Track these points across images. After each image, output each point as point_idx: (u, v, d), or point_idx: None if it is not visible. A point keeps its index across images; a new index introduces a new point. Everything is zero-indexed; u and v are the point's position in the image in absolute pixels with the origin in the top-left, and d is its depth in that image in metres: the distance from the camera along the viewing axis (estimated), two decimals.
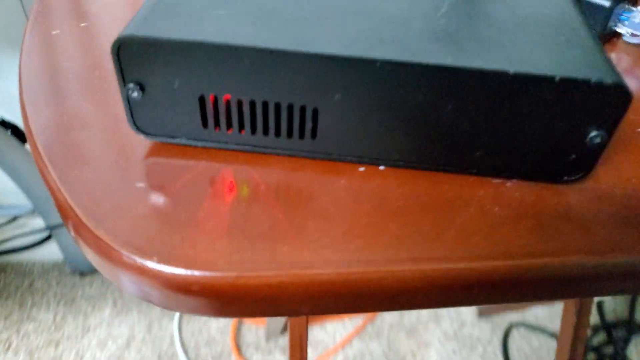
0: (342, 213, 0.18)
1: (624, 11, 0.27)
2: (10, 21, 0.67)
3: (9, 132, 0.69)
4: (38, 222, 0.87)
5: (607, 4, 0.26)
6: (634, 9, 0.28)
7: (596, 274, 0.18)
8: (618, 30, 0.28)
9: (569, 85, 0.16)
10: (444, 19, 0.19)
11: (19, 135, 0.72)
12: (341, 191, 0.19)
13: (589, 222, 0.18)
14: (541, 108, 0.17)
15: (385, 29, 0.18)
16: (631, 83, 0.26)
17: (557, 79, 0.16)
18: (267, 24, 0.18)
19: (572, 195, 0.19)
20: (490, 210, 0.19)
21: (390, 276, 0.17)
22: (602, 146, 0.18)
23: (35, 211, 0.82)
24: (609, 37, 0.28)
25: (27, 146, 0.74)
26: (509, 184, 0.20)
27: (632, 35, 0.28)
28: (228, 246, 0.17)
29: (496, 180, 0.20)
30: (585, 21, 0.20)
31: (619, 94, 0.16)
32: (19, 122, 0.74)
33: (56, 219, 0.81)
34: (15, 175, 0.73)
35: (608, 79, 0.16)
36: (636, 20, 0.27)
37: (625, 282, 0.18)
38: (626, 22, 0.27)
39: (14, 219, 0.90)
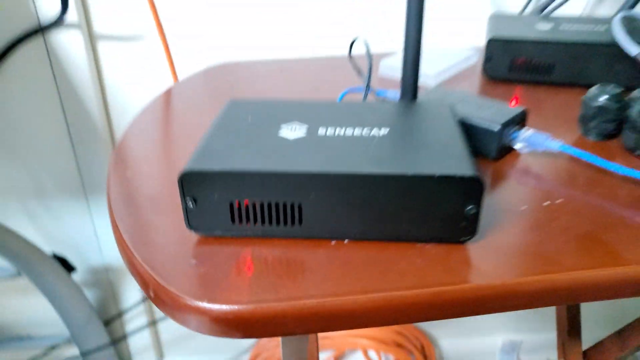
0: (321, 269, 0.29)
1: (514, 132, 0.40)
2: (63, 170, 0.82)
3: (58, 263, 0.81)
4: (73, 351, 0.95)
5: (496, 129, 0.38)
6: (520, 130, 0.40)
7: (482, 295, 0.28)
8: (512, 145, 0.40)
9: (446, 179, 0.28)
10: (374, 148, 0.31)
11: (66, 267, 0.84)
12: (321, 257, 0.30)
13: (480, 263, 0.29)
14: (435, 194, 0.29)
15: (339, 156, 0.30)
16: (525, 177, 0.38)
17: (436, 175, 0.28)
18: (267, 157, 0.30)
19: (471, 248, 0.30)
20: (416, 261, 0.29)
21: (352, 302, 0.27)
22: (476, 215, 0.29)
23: (71, 340, 0.91)
24: (508, 149, 0.41)
25: (73, 276, 0.85)
26: (428, 246, 0.30)
27: (523, 147, 0.40)
28: (249, 292, 0.27)
29: (419, 244, 0.30)
30: (464, 141, 0.32)
31: (476, 182, 0.28)
32: (68, 255, 0.87)
33: (91, 344, 0.90)
34: (57, 303, 0.83)
35: (469, 174, 0.28)
36: (522, 137, 0.39)
37: (508, 300, 0.28)
38: (517, 139, 0.40)
39: (51, 348, 0.98)
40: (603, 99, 0.41)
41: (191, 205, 0.30)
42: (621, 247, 0.30)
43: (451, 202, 0.29)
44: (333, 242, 0.31)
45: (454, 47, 0.63)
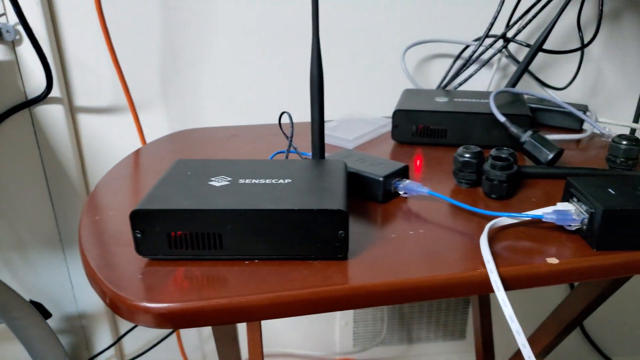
0: (235, 280, 0.40)
1: (396, 181, 0.52)
2: (43, 225, 0.92)
3: (34, 309, 0.89)
4: None
5: (380, 179, 0.50)
6: (403, 180, 0.52)
7: (347, 294, 0.38)
8: (398, 191, 0.52)
9: (322, 211, 0.40)
10: (277, 192, 0.43)
11: (43, 312, 0.91)
12: (236, 272, 0.41)
13: (350, 272, 0.40)
14: (316, 223, 0.40)
15: (249, 198, 0.42)
16: (402, 215, 0.49)
17: (315, 209, 0.40)
18: (196, 199, 0.41)
19: (346, 263, 0.41)
20: (303, 272, 0.40)
21: (253, 300, 0.38)
22: (346, 238, 0.40)
23: None
24: (394, 195, 0.53)
25: (48, 322, 0.93)
26: (316, 262, 0.41)
27: (404, 193, 0.52)
28: (180, 295, 0.38)
29: (309, 261, 0.42)
30: (344, 187, 0.44)
31: (343, 213, 0.40)
32: (44, 303, 0.95)
33: None
34: (33, 347, 0.90)
35: (337, 207, 0.40)
36: (402, 185, 0.52)
37: (368, 298, 0.39)
38: (400, 186, 0.52)
39: None
40: (466, 156, 0.54)
41: (139, 236, 0.41)
42: (452, 259, 0.41)
43: (327, 228, 0.40)
44: (247, 262, 0.42)
45: (373, 116, 0.77)
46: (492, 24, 0.80)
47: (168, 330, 1.07)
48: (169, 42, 0.84)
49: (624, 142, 0.56)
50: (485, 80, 0.89)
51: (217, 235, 0.41)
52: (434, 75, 0.90)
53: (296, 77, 0.88)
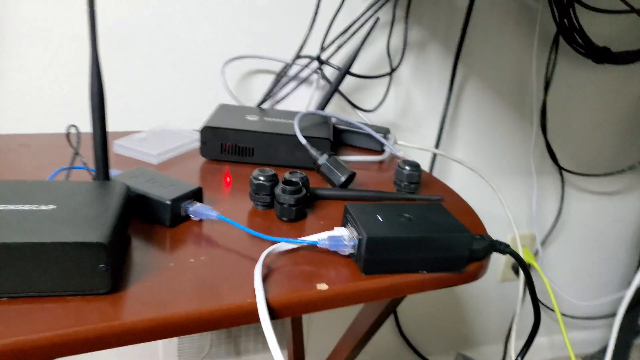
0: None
1: (187, 204, 0.50)
2: None
3: None
4: None
5: (167, 202, 0.48)
6: (194, 202, 0.51)
7: (100, 333, 0.36)
8: (189, 214, 0.51)
9: (78, 244, 0.36)
10: (31, 221, 0.38)
11: None
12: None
13: (110, 308, 0.37)
14: (72, 256, 0.37)
15: None
16: (189, 240, 0.48)
17: (70, 242, 0.36)
18: None
19: (109, 298, 0.38)
20: (56, 311, 0.36)
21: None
22: (107, 272, 0.38)
23: None
24: (185, 218, 0.51)
25: None
26: (76, 298, 0.38)
27: (195, 217, 0.51)
28: None
29: (68, 297, 0.38)
30: (116, 214, 0.41)
31: (102, 246, 0.37)
32: None
33: None
34: None
35: (95, 240, 0.37)
36: (192, 209, 0.50)
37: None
38: (190, 210, 0.50)
39: None
40: (260, 179, 0.54)
41: None
42: (227, 289, 0.41)
43: (86, 262, 0.37)
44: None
45: (185, 129, 0.75)
46: (301, 47, 0.83)
47: None
48: None
49: (407, 168, 0.61)
50: (306, 98, 0.91)
51: None
52: (255, 91, 0.90)
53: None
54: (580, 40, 1.08)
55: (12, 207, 0.40)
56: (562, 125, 1.21)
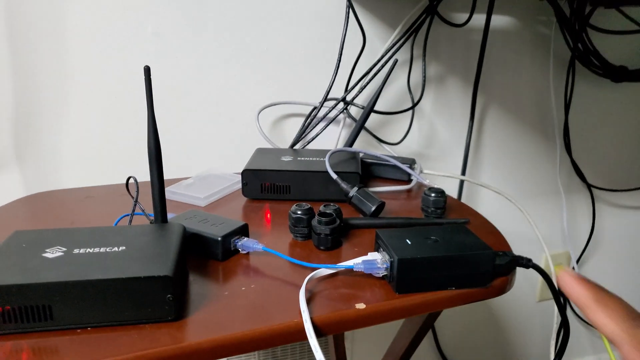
0: (67, 350, 0.41)
1: (236, 239, 0.57)
2: None
3: None
4: None
5: (219, 239, 0.55)
6: (242, 237, 0.57)
7: (172, 354, 0.42)
8: (238, 249, 0.57)
9: (148, 278, 0.43)
10: (109, 260, 0.45)
11: None
12: (66, 341, 0.42)
13: (178, 333, 0.43)
14: (144, 288, 0.43)
15: (79, 268, 0.44)
16: (240, 271, 0.54)
17: (142, 276, 0.43)
18: (25, 272, 0.43)
19: (177, 324, 0.44)
20: (133, 336, 0.43)
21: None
22: (174, 301, 0.44)
23: None
24: (234, 252, 0.57)
25: None
26: (147, 326, 0.44)
27: (243, 250, 0.57)
28: None
29: (141, 325, 0.44)
30: (177, 250, 0.47)
31: (168, 279, 0.43)
32: None
33: None
34: None
35: (163, 274, 0.43)
36: (240, 243, 0.56)
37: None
38: (239, 244, 0.57)
39: None
40: (298, 213, 0.60)
41: None
42: (275, 311, 0.47)
43: (155, 293, 0.44)
44: (79, 330, 0.44)
45: (227, 173, 0.82)
46: (328, 90, 0.91)
47: None
48: (22, 105, 0.83)
49: (432, 194, 0.66)
50: (334, 137, 0.98)
51: (47, 307, 0.42)
52: (288, 133, 0.98)
53: None
54: (596, 62, 1.12)
55: (90, 250, 0.47)
56: (586, 143, 1.24)
